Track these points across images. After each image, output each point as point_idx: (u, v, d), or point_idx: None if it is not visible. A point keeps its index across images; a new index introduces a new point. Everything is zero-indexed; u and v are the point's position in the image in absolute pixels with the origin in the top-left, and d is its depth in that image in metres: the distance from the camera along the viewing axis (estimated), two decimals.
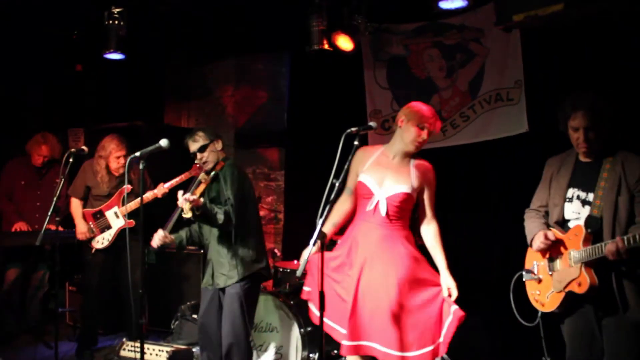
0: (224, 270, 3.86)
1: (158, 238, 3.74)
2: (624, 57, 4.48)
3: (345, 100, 5.87)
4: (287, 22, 5.57)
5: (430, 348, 3.17)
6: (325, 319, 3.24)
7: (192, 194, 3.62)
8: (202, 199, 3.62)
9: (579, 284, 2.94)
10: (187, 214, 3.52)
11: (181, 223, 3.89)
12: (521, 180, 5.08)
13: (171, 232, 3.81)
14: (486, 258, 5.29)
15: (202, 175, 3.85)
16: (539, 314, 3.19)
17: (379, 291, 3.23)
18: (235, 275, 3.82)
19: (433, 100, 5.57)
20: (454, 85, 5.48)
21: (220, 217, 3.66)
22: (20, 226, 5.23)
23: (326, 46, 5.20)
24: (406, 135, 3.35)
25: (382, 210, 3.30)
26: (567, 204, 3.07)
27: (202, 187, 3.77)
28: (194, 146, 3.87)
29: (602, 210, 2.92)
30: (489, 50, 5.25)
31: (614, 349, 2.96)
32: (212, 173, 3.83)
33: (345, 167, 3.15)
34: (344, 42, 5.39)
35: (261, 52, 6.72)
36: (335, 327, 3.36)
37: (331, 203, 3.10)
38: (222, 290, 3.91)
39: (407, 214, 3.40)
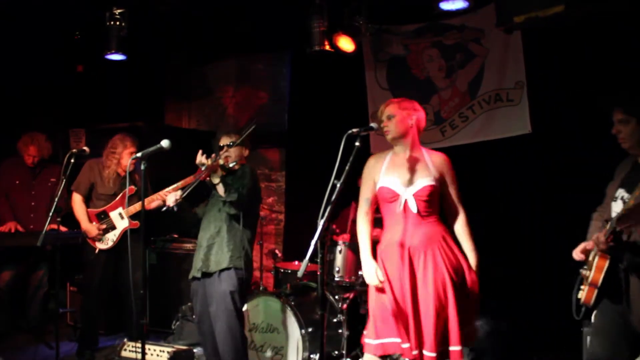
0: (220, 253, 3.92)
1: (174, 197, 3.90)
2: (624, 57, 4.49)
3: (346, 101, 5.87)
4: (287, 23, 5.57)
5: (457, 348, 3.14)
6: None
7: (216, 159, 3.80)
8: (219, 170, 3.81)
9: (589, 277, 2.96)
10: (207, 161, 3.72)
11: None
12: (522, 180, 5.10)
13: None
14: (487, 259, 5.29)
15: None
16: (583, 309, 3.16)
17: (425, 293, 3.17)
18: (227, 261, 3.88)
19: (432, 100, 5.58)
20: (454, 86, 5.49)
21: (235, 193, 3.80)
22: (11, 226, 5.22)
23: (327, 47, 5.19)
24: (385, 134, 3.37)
25: (414, 208, 3.22)
26: (613, 204, 3.06)
27: (221, 160, 3.90)
28: (226, 140, 4.05)
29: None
30: (489, 51, 5.27)
31: None
32: (231, 164, 3.96)
33: (346, 168, 3.15)
34: (345, 43, 5.38)
35: (262, 53, 6.72)
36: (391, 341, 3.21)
37: (332, 204, 3.11)
38: (209, 275, 3.94)
39: (437, 207, 3.31)
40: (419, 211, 3.22)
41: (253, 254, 4.14)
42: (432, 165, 3.31)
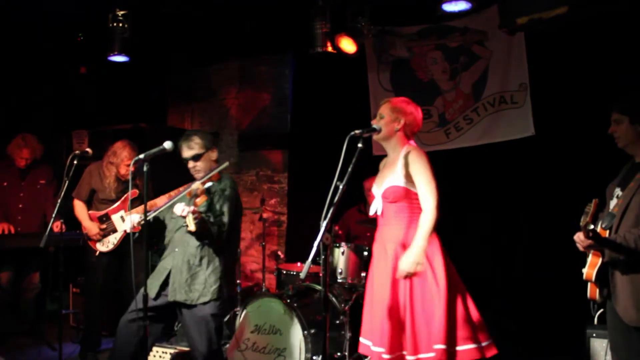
0: (196, 284, 3.57)
1: (131, 222, 3.63)
2: (628, 58, 4.48)
3: (349, 103, 5.87)
4: (290, 24, 5.57)
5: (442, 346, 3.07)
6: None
7: (194, 205, 3.38)
8: (202, 214, 3.43)
9: (584, 273, 2.99)
10: (192, 227, 3.28)
11: None
12: (526, 182, 5.09)
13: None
14: (490, 260, 5.29)
15: (197, 186, 3.47)
16: (595, 306, 3.16)
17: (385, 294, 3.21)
18: (209, 294, 3.56)
19: (436, 102, 5.57)
20: (458, 88, 5.48)
21: (215, 232, 3.50)
22: (4, 227, 5.20)
23: (330, 49, 5.19)
24: None
25: (379, 209, 3.28)
26: (611, 202, 3.08)
27: (203, 199, 3.46)
28: (188, 152, 3.68)
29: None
30: (493, 53, 5.26)
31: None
32: (207, 185, 3.53)
33: (349, 170, 3.14)
34: (348, 45, 5.38)
35: (264, 54, 6.72)
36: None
37: (335, 205, 3.11)
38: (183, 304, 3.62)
39: (406, 207, 3.22)
40: (384, 212, 3.28)
41: (237, 268, 3.94)
42: (402, 163, 3.24)
